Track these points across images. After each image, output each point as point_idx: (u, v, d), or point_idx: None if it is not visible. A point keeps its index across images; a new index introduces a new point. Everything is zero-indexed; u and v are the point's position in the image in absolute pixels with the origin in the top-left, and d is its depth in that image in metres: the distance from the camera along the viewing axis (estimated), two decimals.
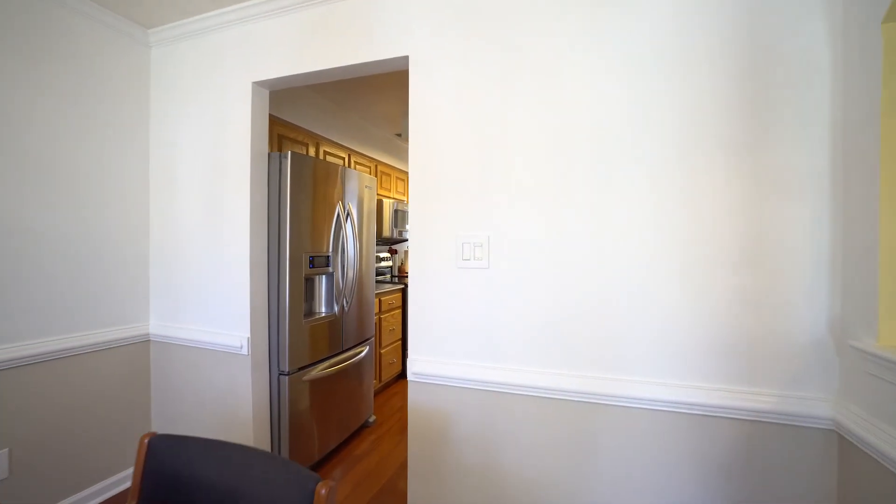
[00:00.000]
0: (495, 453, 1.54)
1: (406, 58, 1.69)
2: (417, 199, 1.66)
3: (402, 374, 4.05)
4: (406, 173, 4.76)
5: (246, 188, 2.00)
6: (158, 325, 2.23)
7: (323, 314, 2.42)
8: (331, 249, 2.40)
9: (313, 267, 2.25)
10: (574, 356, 1.44)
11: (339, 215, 2.45)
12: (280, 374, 2.13)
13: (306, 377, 2.23)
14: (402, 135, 3.70)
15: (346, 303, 2.53)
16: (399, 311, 3.93)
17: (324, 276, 2.46)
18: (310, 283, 2.42)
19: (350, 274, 2.54)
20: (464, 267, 1.59)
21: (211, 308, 2.11)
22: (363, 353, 2.77)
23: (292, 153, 2.11)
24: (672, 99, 1.34)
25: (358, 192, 2.68)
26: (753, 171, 1.26)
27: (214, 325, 2.10)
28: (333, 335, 2.45)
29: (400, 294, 3.93)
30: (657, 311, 1.35)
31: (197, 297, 2.14)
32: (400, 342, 3.97)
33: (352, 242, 2.55)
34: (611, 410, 1.40)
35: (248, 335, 2.00)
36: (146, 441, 0.96)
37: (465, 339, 1.59)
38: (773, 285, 1.24)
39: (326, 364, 2.39)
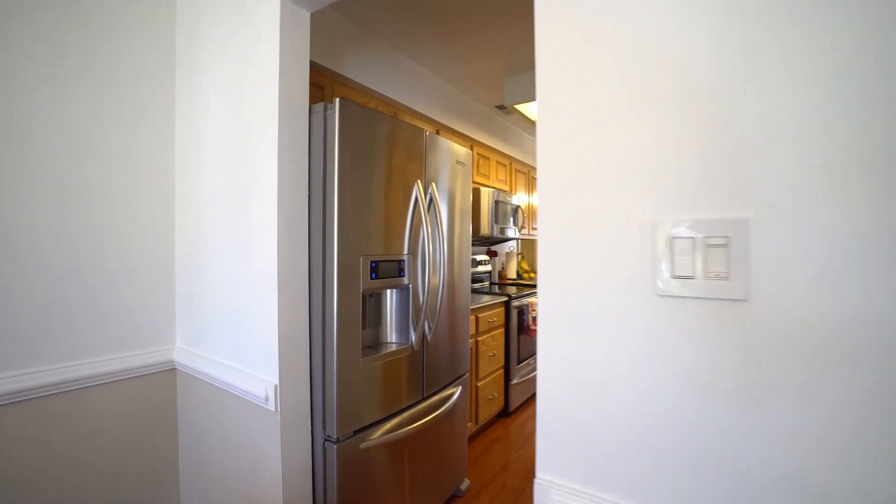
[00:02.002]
0: None
1: None
2: (554, 165, 0.78)
3: (505, 412, 3.17)
4: (509, 158, 3.88)
5: (272, 158, 1.31)
6: (185, 351, 1.67)
7: (393, 346, 1.65)
8: (406, 250, 1.63)
9: (378, 277, 1.50)
10: None
11: (418, 201, 1.66)
12: (326, 441, 1.41)
13: (366, 444, 1.48)
14: (508, 103, 2.82)
15: (430, 327, 1.74)
16: (501, 330, 3.06)
17: (394, 291, 1.69)
18: (373, 301, 1.67)
19: (435, 286, 1.74)
20: (670, 294, 0.66)
21: (234, 335, 1.47)
22: (454, 398, 1.96)
23: (341, 101, 1.37)
24: None
25: (448, 169, 1.88)
26: None
27: (238, 359, 1.45)
28: (410, 377, 1.68)
29: (503, 308, 3.06)
30: None
31: (221, 316, 1.52)
32: (502, 371, 3.10)
33: (438, 240, 1.75)
34: None
35: (277, 381, 1.31)
36: None
37: (672, 466, 0.67)
38: None
39: (398, 421, 1.62)
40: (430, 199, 1.73)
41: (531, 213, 4.32)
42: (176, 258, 1.70)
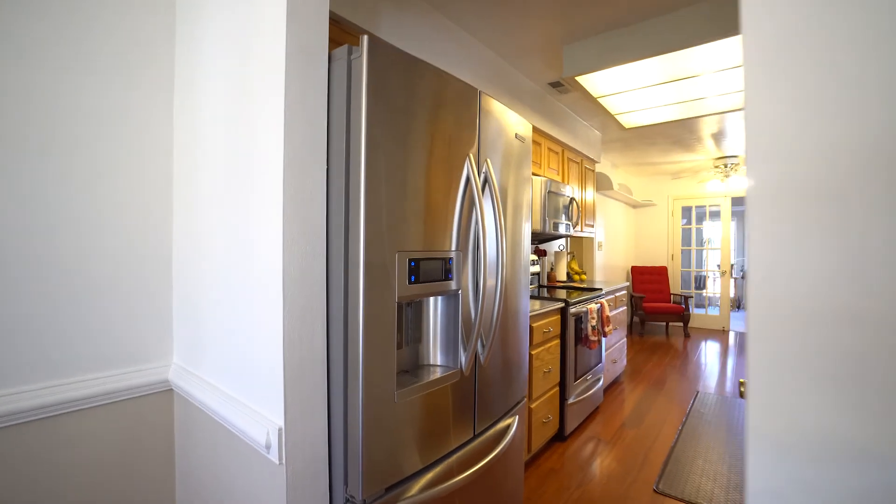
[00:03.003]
0: None
1: None
2: None
3: (560, 436, 2.73)
4: (562, 144, 3.42)
5: (276, 119, 0.95)
6: (182, 369, 1.36)
7: (437, 371, 1.26)
8: (454, 245, 1.24)
9: (418, 281, 1.11)
10: None
11: (470, 181, 1.27)
12: (348, 502, 1.04)
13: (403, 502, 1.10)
14: (568, 75, 2.38)
15: (484, 346, 1.34)
16: (557, 341, 2.63)
17: (440, 299, 1.30)
18: (411, 312, 1.29)
19: (492, 291, 1.34)
20: None
21: (230, 355, 1.13)
22: (512, 432, 1.55)
23: (370, 41, 1.00)
24: None
25: (504, 144, 1.48)
26: None
27: (237, 387, 1.11)
28: (459, 410, 1.29)
29: (558, 316, 2.62)
30: None
31: (217, 331, 1.19)
32: (557, 389, 2.66)
33: (496, 232, 1.35)
34: None
35: (281, 422, 0.95)
36: None
37: None
38: None
39: (443, 469, 1.24)
40: (485, 180, 1.34)
41: (584, 208, 3.85)
42: (174, 256, 1.39)
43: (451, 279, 1.22)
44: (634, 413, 3.18)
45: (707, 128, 3.98)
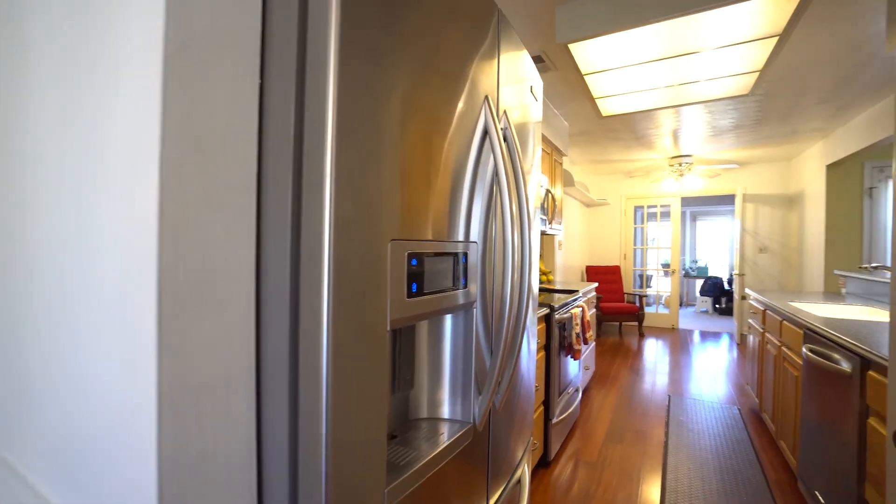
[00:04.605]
0: None
1: None
2: None
3: (544, 461, 2.37)
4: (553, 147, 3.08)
5: None
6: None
7: (442, 433, 0.80)
8: (467, 232, 0.79)
9: (420, 291, 0.65)
10: None
11: (490, 134, 0.83)
12: None
13: None
14: (562, 41, 2.01)
15: (503, 384, 0.90)
16: (542, 353, 2.26)
17: (447, 319, 0.85)
18: (404, 342, 0.82)
19: (515, 304, 0.90)
20: None
21: (73, 437, 0.60)
22: (526, 488, 1.14)
23: None
24: None
25: (520, 95, 1.06)
26: None
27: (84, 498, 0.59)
28: (467, 481, 0.84)
29: (544, 324, 2.26)
30: None
31: (47, 390, 0.65)
32: (542, 408, 2.30)
33: (524, 212, 0.91)
34: None
35: None
36: None
37: None
38: None
39: None
40: (506, 137, 0.90)
41: (556, 203, 3.55)
42: None
43: (464, 286, 0.78)
44: (613, 426, 2.92)
45: (670, 123, 3.86)
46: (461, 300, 0.77)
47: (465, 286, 0.78)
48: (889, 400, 0.85)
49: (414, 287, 0.63)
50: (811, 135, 4.23)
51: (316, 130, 0.52)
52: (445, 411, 0.85)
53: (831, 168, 4.23)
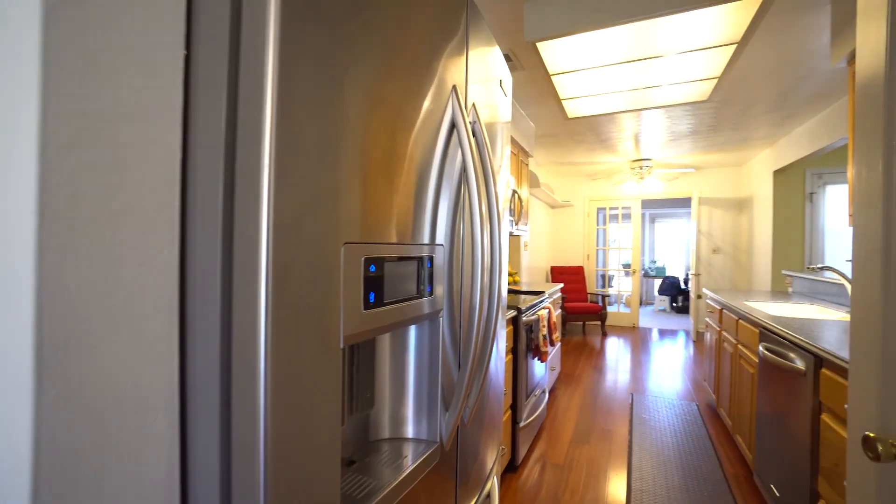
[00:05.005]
0: None
1: None
2: None
3: (512, 466, 2.34)
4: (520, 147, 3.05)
5: None
6: None
7: (406, 455, 0.73)
8: (432, 234, 0.72)
9: (380, 301, 0.58)
10: None
11: (458, 128, 0.77)
12: None
13: None
14: (531, 38, 1.98)
15: (471, 398, 0.84)
16: (510, 356, 2.23)
17: (412, 330, 0.77)
18: (363, 357, 0.74)
19: (485, 311, 0.84)
20: None
21: None
22: (495, 496, 1.08)
23: None
24: None
25: (489, 88, 1.00)
26: None
27: None
28: (434, 502, 0.77)
29: (511, 326, 2.23)
30: None
31: None
32: (510, 412, 2.26)
33: (494, 213, 0.85)
34: None
35: None
36: None
37: None
38: None
39: None
40: (475, 132, 0.84)
41: (522, 204, 3.55)
42: None
43: (429, 293, 0.71)
44: (579, 426, 2.93)
45: (632, 127, 3.95)
46: (426, 309, 0.70)
47: (431, 293, 0.71)
48: (850, 403, 0.85)
49: (372, 297, 0.56)
50: (760, 142, 4.45)
51: (252, 111, 0.43)
52: (409, 430, 0.78)
53: (777, 174, 4.47)
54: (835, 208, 4.29)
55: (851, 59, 1.88)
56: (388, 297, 0.59)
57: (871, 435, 0.72)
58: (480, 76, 0.93)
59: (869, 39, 0.79)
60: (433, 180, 0.72)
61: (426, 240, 0.70)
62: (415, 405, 0.77)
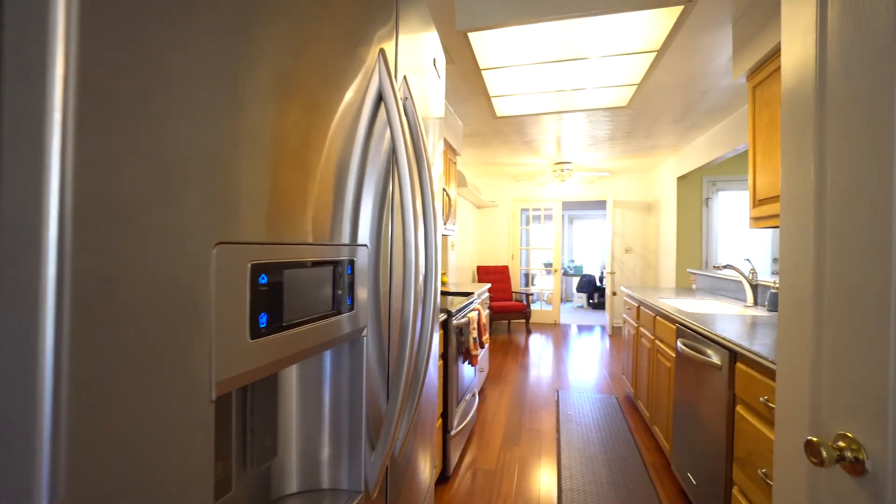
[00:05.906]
0: None
1: None
2: None
3: (443, 476, 2.23)
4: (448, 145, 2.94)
5: None
6: None
7: None
8: (353, 233, 0.56)
9: (275, 324, 0.41)
10: None
11: (388, 103, 0.62)
12: None
13: None
14: (462, 28, 1.88)
15: (402, 430, 0.70)
16: (441, 362, 2.11)
17: (327, 357, 0.61)
18: (259, 396, 0.56)
19: (420, 325, 0.70)
20: None
21: None
22: None
23: None
24: None
25: (422, 66, 0.86)
26: None
27: None
28: None
29: (441, 331, 2.12)
30: None
31: None
32: (440, 421, 2.15)
33: (421, 212, 0.71)
34: None
35: None
36: None
37: None
38: None
39: None
40: (406, 109, 0.70)
41: (452, 203, 3.46)
42: None
43: (349, 307, 0.55)
44: (509, 428, 2.91)
45: (555, 130, 4.07)
46: (346, 328, 0.54)
47: (352, 307, 0.55)
48: (779, 405, 0.84)
49: (264, 319, 0.39)
50: (667, 150, 4.84)
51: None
52: (325, 479, 0.61)
53: (680, 180, 4.90)
54: (726, 212, 4.80)
55: (751, 74, 2.03)
56: (289, 317, 0.43)
57: (815, 440, 0.70)
58: (413, 44, 0.79)
59: (795, 45, 0.78)
60: (355, 164, 0.57)
61: (346, 239, 0.54)
62: (332, 447, 0.61)
